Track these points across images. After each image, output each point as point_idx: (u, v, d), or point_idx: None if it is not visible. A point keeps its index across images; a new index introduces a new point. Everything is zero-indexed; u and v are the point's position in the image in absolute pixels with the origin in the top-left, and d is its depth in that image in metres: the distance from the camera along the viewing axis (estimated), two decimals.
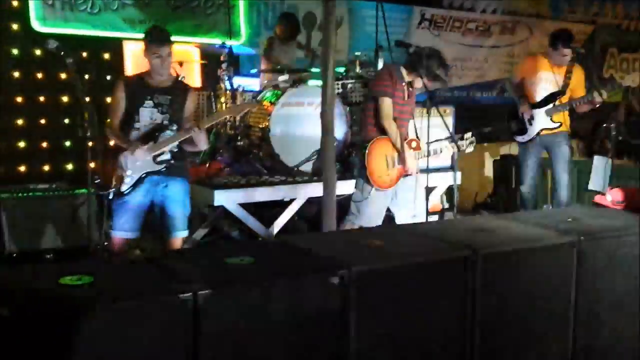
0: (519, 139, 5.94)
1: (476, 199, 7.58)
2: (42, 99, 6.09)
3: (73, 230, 5.17)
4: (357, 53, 6.17)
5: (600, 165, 6.24)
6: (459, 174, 5.48)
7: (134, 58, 6.45)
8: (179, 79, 4.59)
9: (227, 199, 4.77)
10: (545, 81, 5.80)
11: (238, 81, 5.94)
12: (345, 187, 5.05)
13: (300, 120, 5.39)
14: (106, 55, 6.39)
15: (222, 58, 5.83)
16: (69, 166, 6.19)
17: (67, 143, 6.21)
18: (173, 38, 6.26)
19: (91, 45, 6.26)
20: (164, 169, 4.16)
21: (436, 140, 5.53)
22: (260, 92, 5.84)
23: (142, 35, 6.20)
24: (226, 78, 5.65)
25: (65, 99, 6.17)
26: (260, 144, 5.39)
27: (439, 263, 2.57)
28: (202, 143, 4.22)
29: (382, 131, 4.56)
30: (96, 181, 4.24)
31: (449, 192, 6.04)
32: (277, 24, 6.36)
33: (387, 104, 4.52)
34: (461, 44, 8.43)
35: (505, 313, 2.68)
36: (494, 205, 7.30)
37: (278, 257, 2.53)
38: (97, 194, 4.28)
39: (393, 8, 7.89)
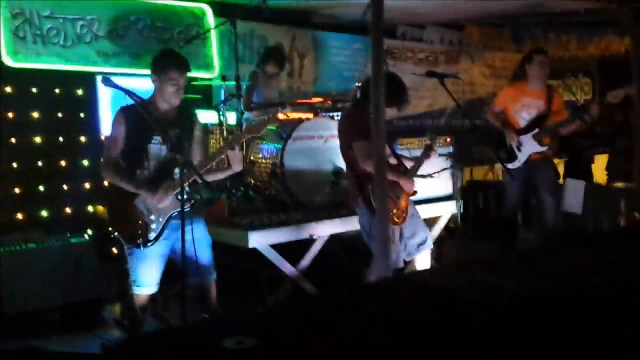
0: (510, 166, 6.03)
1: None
2: (13, 140, 5.53)
3: (76, 285, 4.69)
4: (357, 83, 6.09)
5: (573, 188, 6.55)
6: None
7: (108, 94, 6.05)
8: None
9: (260, 240, 4.52)
10: (528, 106, 5.98)
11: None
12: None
13: (313, 154, 5.25)
14: (79, 91, 5.92)
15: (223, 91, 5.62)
16: (44, 213, 5.64)
17: (41, 188, 5.66)
18: (145, 71, 6.12)
19: (64, 81, 5.80)
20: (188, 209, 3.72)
21: (441, 170, 5.62)
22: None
23: (116, 70, 6.03)
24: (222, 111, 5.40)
25: (38, 139, 5.65)
26: (270, 180, 5.18)
27: None
28: (238, 163, 3.89)
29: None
30: (114, 234, 3.82)
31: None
32: (265, 60, 6.12)
33: (361, 147, 4.34)
34: (413, 73, 8.62)
35: None
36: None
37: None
38: (126, 246, 3.83)
39: (353, 39, 7.97)
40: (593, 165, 8.78)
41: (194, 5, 6.59)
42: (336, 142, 5.35)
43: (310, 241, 4.94)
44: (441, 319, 2.45)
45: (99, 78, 3.59)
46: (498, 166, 7.69)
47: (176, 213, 3.74)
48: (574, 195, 6.54)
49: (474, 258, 5.82)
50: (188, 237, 3.76)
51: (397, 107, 4.52)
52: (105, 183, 4.76)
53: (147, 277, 3.79)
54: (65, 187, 5.76)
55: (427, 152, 4.61)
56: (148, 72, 5.97)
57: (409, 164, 4.66)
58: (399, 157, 4.61)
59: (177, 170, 3.69)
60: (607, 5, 6.05)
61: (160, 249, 3.80)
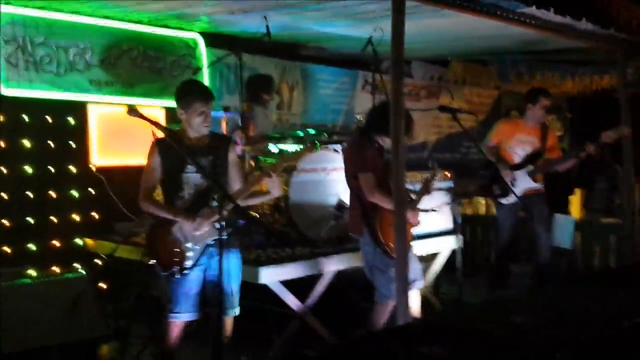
0: (504, 201, 6.06)
1: None
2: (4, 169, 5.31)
3: (74, 323, 4.46)
4: (359, 117, 6.07)
5: (562, 224, 6.61)
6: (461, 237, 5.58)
7: (100, 123, 5.89)
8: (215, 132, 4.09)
9: (271, 276, 4.39)
10: (523, 143, 6.02)
11: None
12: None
13: (316, 187, 5.17)
14: (71, 120, 5.72)
15: (224, 122, 5.50)
16: (32, 246, 5.40)
17: (31, 220, 5.43)
18: (139, 101, 6.00)
19: (55, 109, 5.61)
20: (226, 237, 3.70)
21: (442, 204, 5.60)
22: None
23: (108, 98, 5.88)
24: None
25: (29, 169, 5.43)
26: (274, 213, 5.07)
27: None
28: (276, 189, 3.90)
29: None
30: (150, 262, 3.72)
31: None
32: (259, 88, 6.04)
33: (366, 179, 4.29)
34: (418, 109, 8.62)
35: None
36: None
37: None
38: (164, 274, 3.70)
39: (340, 72, 7.98)
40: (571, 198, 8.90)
41: (186, 35, 6.50)
42: (339, 175, 5.32)
43: (314, 278, 4.82)
44: None
45: (125, 108, 3.45)
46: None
47: (213, 241, 3.71)
48: (563, 230, 6.60)
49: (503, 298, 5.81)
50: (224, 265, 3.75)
51: (406, 136, 4.49)
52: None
53: (183, 305, 3.72)
54: (54, 219, 5.54)
55: (429, 183, 4.57)
56: (141, 101, 6.05)
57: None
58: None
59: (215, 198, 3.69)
60: (598, 45, 6.19)
61: (196, 275, 3.75)
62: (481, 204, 8.94)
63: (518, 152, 6.04)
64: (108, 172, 5.75)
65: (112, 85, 5.93)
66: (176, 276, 3.67)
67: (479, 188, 6.52)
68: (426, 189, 4.59)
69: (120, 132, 5.83)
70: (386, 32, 5.31)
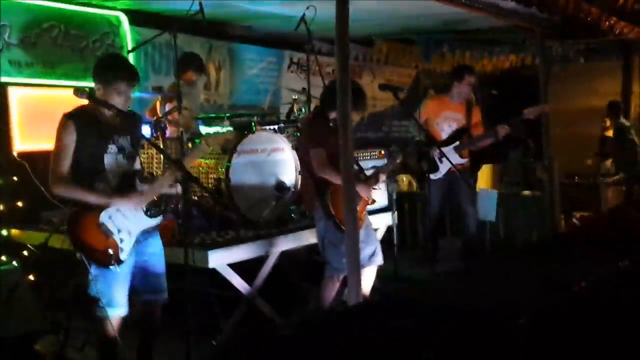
0: (432, 176, 6.21)
1: None
2: None
3: (9, 317, 4.23)
4: (294, 97, 6.01)
5: (486, 197, 6.86)
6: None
7: (21, 106, 5.58)
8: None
9: (219, 259, 4.31)
10: (449, 120, 6.20)
11: None
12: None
13: (256, 168, 5.11)
14: None
15: (158, 102, 5.31)
16: None
17: None
18: (61, 82, 5.71)
19: None
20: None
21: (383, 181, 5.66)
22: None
23: (30, 80, 5.56)
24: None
25: None
26: (213, 196, 4.97)
27: None
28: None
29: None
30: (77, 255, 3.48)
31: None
32: (185, 67, 5.82)
33: (316, 154, 4.37)
34: (320, 86, 8.64)
35: None
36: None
37: None
38: (95, 268, 3.50)
39: (267, 52, 7.89)
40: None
41: (109, 12, 6.23)
42: (278, 156, 5.30)
43: (254, 260, 4.77)
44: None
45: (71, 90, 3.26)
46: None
47: (144, 228, 3.58)
48: (487, 203, 6.84)
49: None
50: (150, 250, 3.67)
51: (361, 112, 4.59)
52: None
53: (120, 297, 3.53)
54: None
55: (393, 162, 4.66)
56: (63, 82, 5.75)
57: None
58: (357, 165, 4.60)
59: (138, 182, 3.55)
60: (520, 23, 6.42)
61: (128, 266, 3.56)
62: (403, 182, 9.12)
63: (445, 128, 6.20)
64: (31, 158, 5.45)
65: (33, 66, 5.61)
66: (112, 270, 3.45)
67: (404, 165, 6.67)
68: (392, 166, 4.77)
69: (43, 115, 5.51)
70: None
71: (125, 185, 3.54)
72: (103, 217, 3.44)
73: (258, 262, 4.77)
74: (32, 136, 5.60)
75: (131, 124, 3.66)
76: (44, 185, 5.21)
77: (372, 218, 5.77)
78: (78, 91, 3.29)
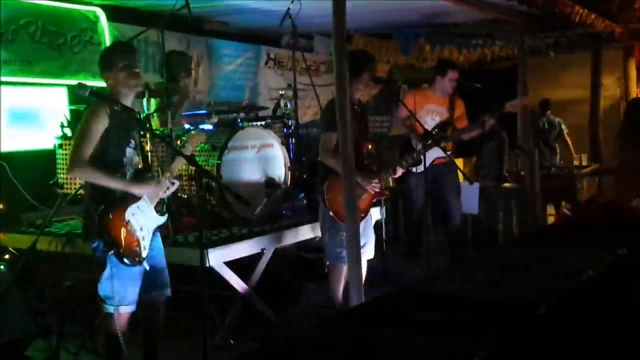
0: (414, 170, 6.23)
1: None
2: None
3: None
4: (281, 92, 5.94)
5: (468, 190, 6.91)
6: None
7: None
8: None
9: (217, 258, 4.24)
10: (432, 113, 6.21)
11: None
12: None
13: (246, 165, 5.04)
14: None
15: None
16: None
17: None
18: (39, 80, 5.55)
19: None
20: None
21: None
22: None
23: (8, 79, 5.39)
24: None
25: None
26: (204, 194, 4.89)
27: None
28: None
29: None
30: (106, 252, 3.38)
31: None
32: (179, 67, 5.64)
33: (325, 138, 4.27)
34: (299, 82, 8.60)
35: None
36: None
37: None
38: (117, 264, 3.39)
39: (245, 47, 7.81)
40: None
41: (87, 8, 6.08)
42: (269, 152, 5.24)
43: (250, 258, 4.71)
44: None
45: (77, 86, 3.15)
46: None
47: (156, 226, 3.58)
48: (469, 196, 6.89)
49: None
50: (154, 246, 3.59)
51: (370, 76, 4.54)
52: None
53: (133, 295, 3.46)
54: None
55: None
56: (42, 80, 5.59)
57: None
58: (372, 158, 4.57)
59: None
60: (500, 16, 6.47)
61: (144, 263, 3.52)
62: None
63: (428, 121, 6.19)
64: (10, 159, 5.29)
65: (10, 64, 5.43)
66: (132, 267, 3.40)
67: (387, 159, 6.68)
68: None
69: (22, 114, 5.37)
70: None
71: (139, 179, 3.52)
72: (128, 214, 3.40)
73: (249, 260, 4.72)
74: (10, 136, 5.43)
75: (137, 120, 3.60)
76: (23, 186, 5.10)
77: None
78: (81, 87, 3.19)
